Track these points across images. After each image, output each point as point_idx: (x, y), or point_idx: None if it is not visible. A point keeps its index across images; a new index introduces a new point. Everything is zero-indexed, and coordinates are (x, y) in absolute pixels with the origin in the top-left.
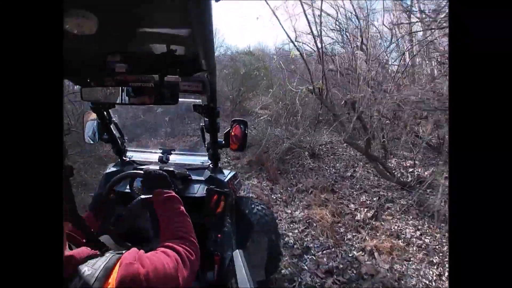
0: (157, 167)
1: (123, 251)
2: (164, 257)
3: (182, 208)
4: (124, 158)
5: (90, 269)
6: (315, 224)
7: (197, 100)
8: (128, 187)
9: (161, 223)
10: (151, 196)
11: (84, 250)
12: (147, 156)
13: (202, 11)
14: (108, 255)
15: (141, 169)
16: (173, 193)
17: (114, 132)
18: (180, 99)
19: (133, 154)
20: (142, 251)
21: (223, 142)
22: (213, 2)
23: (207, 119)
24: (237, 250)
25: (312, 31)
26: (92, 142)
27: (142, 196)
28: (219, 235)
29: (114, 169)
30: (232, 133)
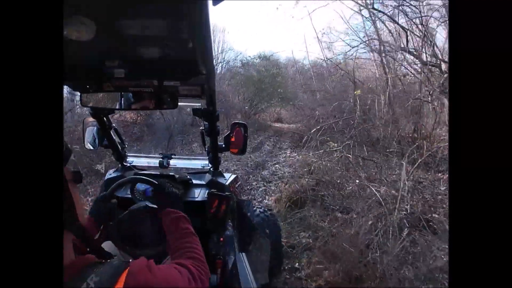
0: (157, 172)
1: (130, 259)
2: (177, 272)
3: (191, 228)
4: (125, 164)
5: (97, 276)
6: None
7: (197, 104)
8: (129, 192)
9: (171, 242)
10: (156, 207)
11: (89, 257)
12: (147, 161)
13: (199, 15)
14: (115, 263)
15: (155, 179)
16: (182, 213)
17: (114, 138)
18: (179, 103)
19: (133, 159)
20: (152, 261)
21: (223, 145)
22: (210, 5)
23: (206, 123)
24: (240, 253)
25: None
26: (92, 148)
27: (148, 204)
28: (221, 239)
29: (114, 174)
30: (232, 137)
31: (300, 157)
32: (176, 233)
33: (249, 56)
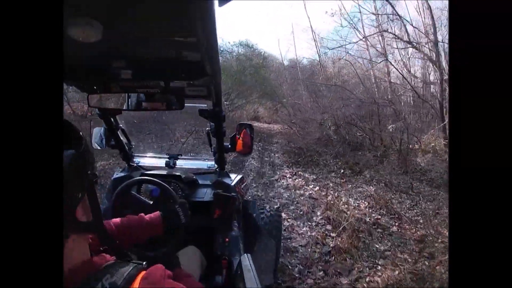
0: (164, 172)
1: (144, 263)
2: None
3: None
4: (131, 164)
5: (112, 277)
6: None
7: (203, 105)
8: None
9: None
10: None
11: (105, 257)
12: (154, 162)
13: (206, 16)
14: (130, 264)
15: (161, 179)
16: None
17: (121, 138)
18: (186, 104)
19: (140, 160)
20: (169, 272)
21: (229, 146)
22: (216, 6)
23: (213, 124)
24: (245, 254)
25: None
26: (99, 148)
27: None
28: (226, 239)
29: (121, 174)
30: (239, 137)
31: (312, 187)
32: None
33: (229, 43)
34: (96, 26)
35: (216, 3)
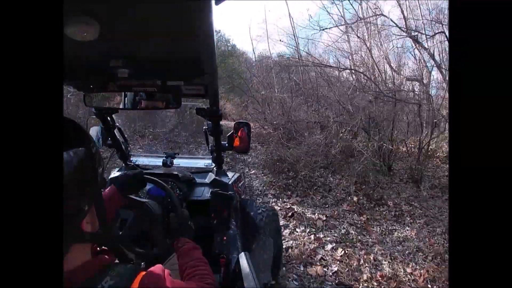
0: (161, 171)
1: (142, 263)
2: None
3: (203, 257)
4: (128, 163)
5: (112, 279)
6: None
7: (200, 104)
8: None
9: (184, 268)
10: None
11: (105, 258)
12: (151, 160)
13: (203, 16)
14: (129, 266)
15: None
16: (194, 244)
17: (118, 137)
18: (183, 103)
19: (137, 159)
20: (168, 271)
21: (227, 144)
22: (213, 4)
23: (210, 122)
24: (242, 252)
25: None
26: None
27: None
28: (224, 238)
29: (118, 174)
30: (236, 136)
31: (332, 250)
32: (190, 260)
33: None
34: (93, 25)
35: (213, 2)
